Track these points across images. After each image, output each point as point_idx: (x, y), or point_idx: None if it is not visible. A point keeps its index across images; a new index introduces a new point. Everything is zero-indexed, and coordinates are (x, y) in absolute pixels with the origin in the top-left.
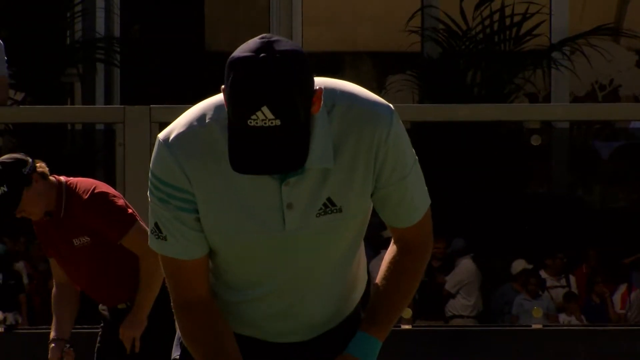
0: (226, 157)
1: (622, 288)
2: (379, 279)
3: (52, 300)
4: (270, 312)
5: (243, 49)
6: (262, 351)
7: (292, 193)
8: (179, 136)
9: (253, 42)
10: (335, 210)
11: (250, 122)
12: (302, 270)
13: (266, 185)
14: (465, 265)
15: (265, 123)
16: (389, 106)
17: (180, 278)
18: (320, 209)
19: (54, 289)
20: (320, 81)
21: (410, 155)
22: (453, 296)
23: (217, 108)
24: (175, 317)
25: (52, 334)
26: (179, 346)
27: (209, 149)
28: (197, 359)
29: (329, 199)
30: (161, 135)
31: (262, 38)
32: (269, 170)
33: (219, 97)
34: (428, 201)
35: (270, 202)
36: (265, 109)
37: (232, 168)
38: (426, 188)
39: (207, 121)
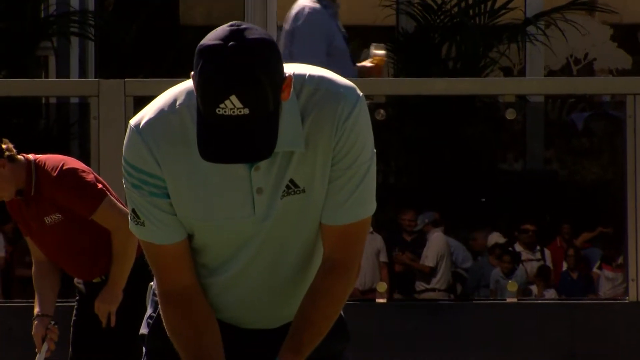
0: (196, 143)
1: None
2: (302, 300)
3: (33, 277)
4: (237, 298)
5: (212, 37)
6: (232, 336)
7: (261, 178)
8: (150, 122)
9: (222, 30)
10: (298, 191)
11: (219, 111)
12: (269, 253)
13: (236, 171)
14: (439, 238)
15: (233, 112)
16: (357, 91)
17: (163, 265)
18: (284, 190)
19: (33, 267)
20: (291, 67)
21: (369, 148)
22: (435, 270)
23: (189, 94)
24: (160, 307)
25: (36, 310)
26: (147, 324)
27: (180, 135)
28: (178, 351)
29: (291, 180)
30: (133, 120)
31: (232, 26)
32: (237, 159)
33: (190, 83)
34: (372, 208)
35: (240, 187)
36: (233, 97)
37: (201, 156)
38: (374, 197)
39: (177, 107)
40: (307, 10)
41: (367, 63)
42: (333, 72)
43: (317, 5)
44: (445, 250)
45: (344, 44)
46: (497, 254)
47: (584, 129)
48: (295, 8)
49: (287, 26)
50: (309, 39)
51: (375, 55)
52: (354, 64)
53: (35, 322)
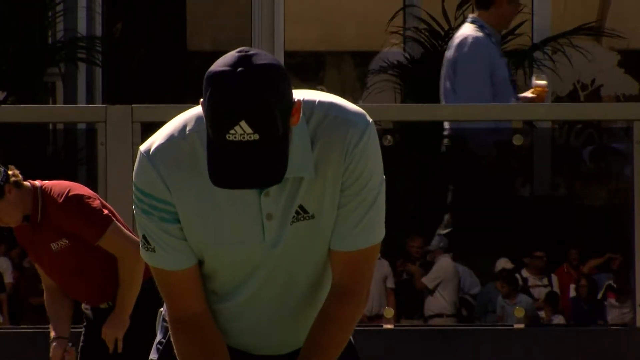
0: (206, 169)
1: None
2: (311, 326)
3: (46, 304)
4: (247, 324)
5: (220, 63)
6: None
7: (271, 203)
8: (160, 148)
9: (231, 56)
10: (308, 217)
11: (229, 137)
12: (278, 279)
13: (246, 196)
14: (444, 263)
15: (243, 137)
16: (367, 118)
17: (173, 290)
18: (294, 216)
19: (45, 294)
20: (300, 93)
21: (378, 174)
22: (431, 292)
23: (199, 119)
24: (170, 333)
25: (53, 334)
26: (156, 350)
27: (190, 161)
28: None
29: (300, 206)
30: (143, 146)
31: (240, 52)
32: (248, 185)
33: (200, 108)
34: (381, 234)
35: (250, 213)
36: (243, 123)
37: (211, 182)
38: (384, 223)
39: (187, 132)
40: (470, 39)
41: (528, 94)
42: (496, 102)
43: (480, 33)
44: (450, 276)
45: (506, 72)
46: (503, 279)
47: (591, 155)
48: (458, 37)
49: (449, 54)
50: (472, 71)
51: (537, 85)
52: (516, 92)
53: (54, 344)
